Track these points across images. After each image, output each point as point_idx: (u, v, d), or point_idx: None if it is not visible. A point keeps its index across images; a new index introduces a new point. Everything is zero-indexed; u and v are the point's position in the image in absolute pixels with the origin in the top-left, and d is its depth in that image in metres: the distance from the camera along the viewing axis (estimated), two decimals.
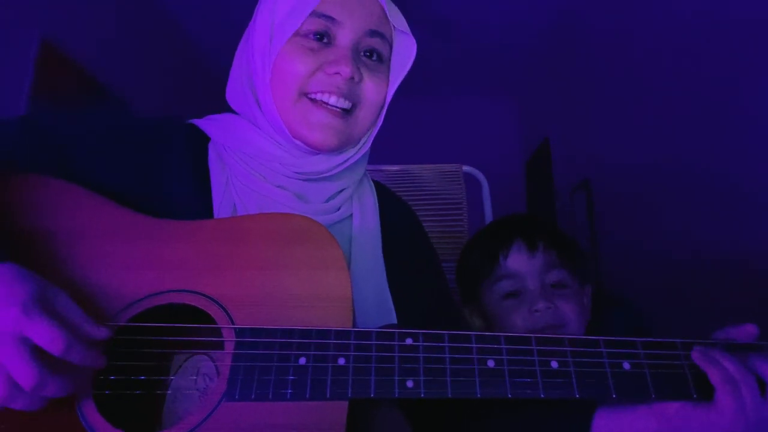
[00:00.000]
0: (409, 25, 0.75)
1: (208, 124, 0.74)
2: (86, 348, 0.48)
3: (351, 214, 0.73)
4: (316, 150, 0.69)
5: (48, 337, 0.46)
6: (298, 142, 0.68)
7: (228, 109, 0.77)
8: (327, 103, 0.67)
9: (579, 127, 3.21)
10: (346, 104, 0.68)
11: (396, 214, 0.80)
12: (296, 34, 0.67)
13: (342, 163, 0.71)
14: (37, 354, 0.46)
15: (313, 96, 0.67)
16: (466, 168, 1.84)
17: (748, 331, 0.56)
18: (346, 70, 0.65)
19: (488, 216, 1.79)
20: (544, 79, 3.74)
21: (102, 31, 2.70)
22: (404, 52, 0.74)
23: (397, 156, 1.74)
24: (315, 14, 0.66)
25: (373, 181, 0.82)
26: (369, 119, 0.72)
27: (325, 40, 0.68)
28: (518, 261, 0.98)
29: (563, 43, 3.32)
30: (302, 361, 0.52)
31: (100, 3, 2.68)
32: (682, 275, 2.10)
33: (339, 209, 0.72)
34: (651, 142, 2.41)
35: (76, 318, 0.50)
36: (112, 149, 0.67)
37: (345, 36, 0.68)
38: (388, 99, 0.73)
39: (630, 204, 2.58)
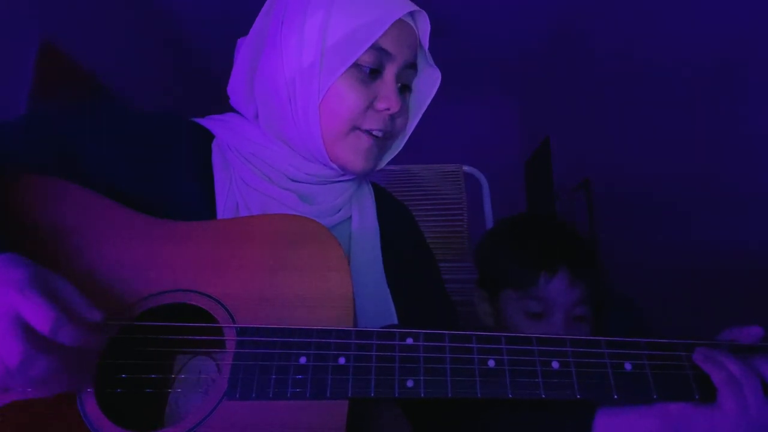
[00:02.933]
0: None
1: (212, 123, 0.74)
2: (78, 330, 0.48)
3: (350, 216, 0.74)
4: (351, 173, 0.72)
5: (38, 314, 0.45)
6: (334, 165, 0.70)
7: (228, 108, 0.77)
8: (372, 133, 0.69)
9: (579, 127, 3.21)
10: (387, 135, 0.71)
11: (393, 216, 0.81)
12: (353, 64, 0.66)
13: None
14: (28, 333, 0.46)
15: (363, 129, 0.69)
16: (466, 168, 1.85)
17: (753, 333, 0.55)
18: (396, 105, 0.68)
19: (488, 216, 1.80)
20: (544, 79, 3.74)
21: (102, 31, 2.71)
22: (429, 84, 0.77)
23: (397, 156, 1.73)
24: (373, 46, 0.66)
25: (371, 182, 0.82)
26: (395, 148, 0.76)
27: (375, 73, 0.68)
28: (557, 290, 0.94)
29: (563, 43, 3.32)
30: (303, 360, 0.52)
31: (100, 3, 2.68)
32: (682, 275, 2.10)
33: (339, 211, 0.72)
34: (651, 141, 2.41)
35: (72, 300, 0.49)
36: (117, 147, 0.67)
37: (392, 70, 0.69)
38: (410, 129, 0.77)
39: (630, 204, 2.58)
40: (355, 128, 0.68)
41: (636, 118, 2.53)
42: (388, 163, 0.78)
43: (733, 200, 1.86)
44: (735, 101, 1.84)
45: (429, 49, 0.74)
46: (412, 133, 0.77)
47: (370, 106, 0.68)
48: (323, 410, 0.51)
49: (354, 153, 0.69)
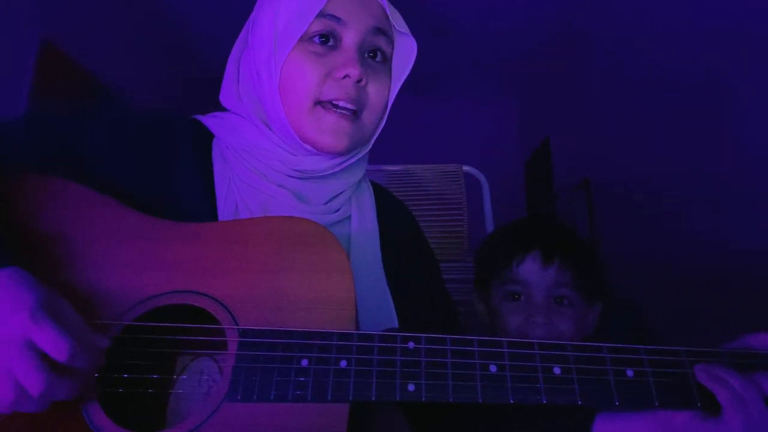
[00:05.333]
0: (409, 25, 0.75)
1: (212, 121, 0.74)
2: (90, 354, 0.48)
3: (349, 216, 0.73)
4: (326, 154, 0.69)
5: (55, 343, 0.46)
6: (307, 146, 0.68)
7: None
8: (337, 106, 0.67)
9: (579, 127, 3.22)
10: (354, 107, 0.67)
11: (394, 216, 0.81)
12: (301, 38, 0.66)
13: (341, 163, 0.71)
14: (45, 360, 0.46)
15: (325, 101, 0.67)
16: (466, 168, 1.84)
17: (763, 340, 0.55)
18: (355, 72, 0.65)
19: (488, 216, 1.79)
20: (544, 79, 3.74)
21: (102, 31, 2.70)
22: (405, 53, 0.74)
23: (397, 156, 1.73)
24: (321, 15, 0.66)
25: (371, 182, 0.82)
26: (374, 122, 0.72)
27: (330, 43, 0.67)
28: (530, 271, 0.98)
29: (563, 43, 3.32)
30: (304, 362, 0.52)
31: (100, 3, 2.68)
32: (682, 275, 2.11)
33: (338, 210, 0.72)
34: (651, 141, 2.41)
35: (79, 326, 0.49)
36: (119, 146, 0.68)
37: (350, 37, 0.67)
38: (391, 101, 0.74)
39: (630, 204, 2.59)
40: (318, 103, 0.66)
41: (636, 118, 2.53)
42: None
43: (733, 200, 1.86)
44: (737, 101, 1.84)
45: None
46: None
47: (328, 75, 0.66)
48: (324, 413, 0.51)
49: (319, 130, 0.66)
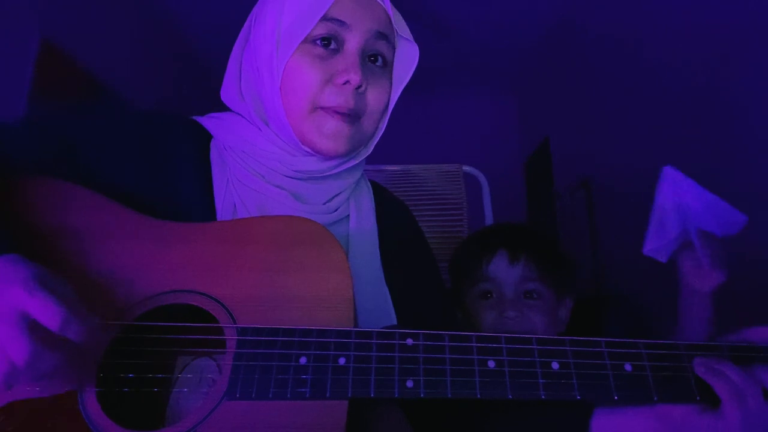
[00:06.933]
0: (409, 25, 0.75)
1: (210, 122, 0.74)
2: (84, 326, 0.48)
3: (348, 215, 0.73)
4: (325, 157, 0.69)
5: (46, 310, 0.46)
6: (305, 147, 0.68)
7: (225, 108, 0.78)
8: (337, 111, 0.67)
9: (579, 127, 3.21)
10: (353, 112, 0.67)
11: (393, 215, 0.81)
12: (304, 40, 0.66)
13: (340, 165, 0.72)
14: (34, 330, 0.46)
15: (324, 107, 0.67)
16: (466, 168, 1.84)
17: (762, 333, 0.55)
18: (356, 78, 0.65)
19: (488, 216, 1.80)
20: (544, 78, 3.74)
21: (102, 31, 2.70)
22: (407, 59, 0.74)
23: (397, 156, 1.73)
24: (324, 18, 0.66)
25: (371, 181, 0.82)
26: (373, 126, 0.72)
27: (332, 46, 0.67)
28: (498, 268, 1.05)
29: (563, 43, 3.32)
30: (303, 360, 0.52)
31: (100, 3, 2.68)
32: None
33: (336, 210, 0.72)
34: (651, 141, 2.41)
35: (73, 299, 0.49)
36: (119, 147, 0.68)
37: (353, 41, 0.67)
38: (391, 106, 0.74)
39: (630, 204, 2.58)
40: (317, 107, 0.66)
41: (636, 117, 2.53)
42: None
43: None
44: (737, 101, 1.84)
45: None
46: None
47: (329, 81, 0.66)
48: (323, 410, 0.51)
49: (319, 134, 0.66)
